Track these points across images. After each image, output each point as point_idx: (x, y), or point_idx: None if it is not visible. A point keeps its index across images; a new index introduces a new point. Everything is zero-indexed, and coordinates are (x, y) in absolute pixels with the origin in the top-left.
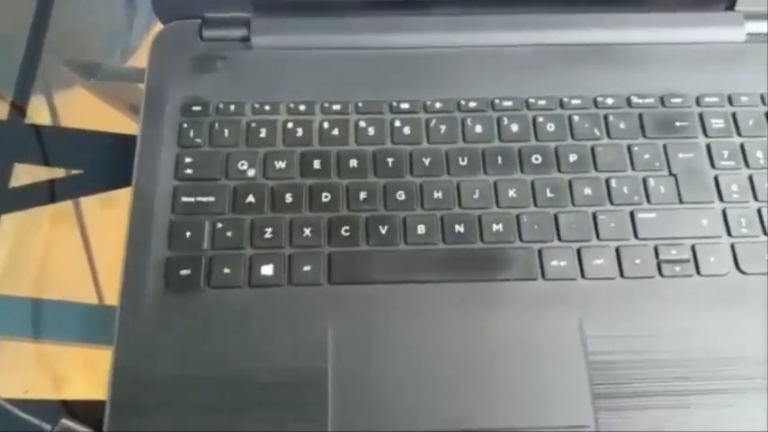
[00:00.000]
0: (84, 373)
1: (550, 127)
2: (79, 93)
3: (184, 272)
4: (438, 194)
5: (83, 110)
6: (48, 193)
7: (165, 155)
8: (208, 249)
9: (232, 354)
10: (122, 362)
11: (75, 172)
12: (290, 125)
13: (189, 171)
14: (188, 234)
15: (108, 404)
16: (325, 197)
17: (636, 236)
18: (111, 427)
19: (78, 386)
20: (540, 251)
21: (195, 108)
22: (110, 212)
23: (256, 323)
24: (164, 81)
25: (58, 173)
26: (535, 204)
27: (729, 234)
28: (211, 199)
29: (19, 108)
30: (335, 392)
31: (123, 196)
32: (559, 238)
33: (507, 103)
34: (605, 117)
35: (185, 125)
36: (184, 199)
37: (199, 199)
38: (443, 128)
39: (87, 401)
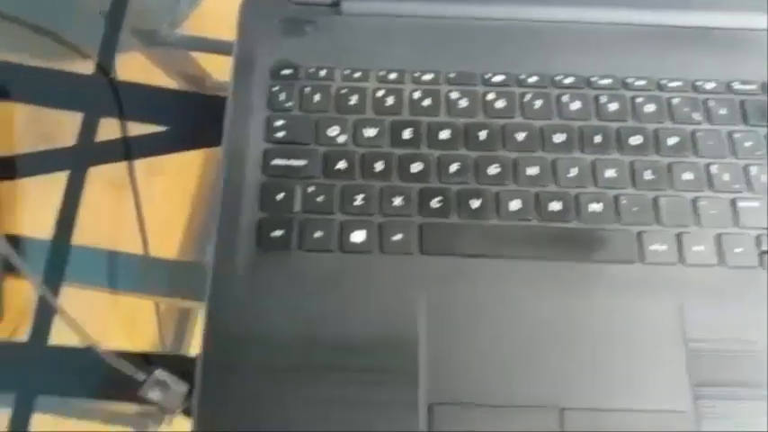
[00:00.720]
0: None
1: (649, 108)
2: (135, 57)
3: (276, 233)
4: (533, 171)
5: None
6: (133, 149)
7: (255, 117)
8: (299, 213)
9: (322, 317)
10: (215, 319)
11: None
12: (379, 93)
13: (279, 134)
14: (279, 196)
15: (200, 360)
16: (416, 167)
17: (737, 224)
18: (203, 383)
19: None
20: (639, 234)
21: (285, 72)
22: (156, 180)
23: (347, 288)
24: (253, 44)
25: (142, 130)
26: (634, 186)
27: None
28: (302, 163)
29: (103, 66)
30: (426, 362)
31: (170, 166)
32: (659, 222)
33: (605, 82)
34: (705, 102)
35: (275, 88)
36: (275, 162)
37: (290, 162)
38: (538, 103)
39: (170, 356)
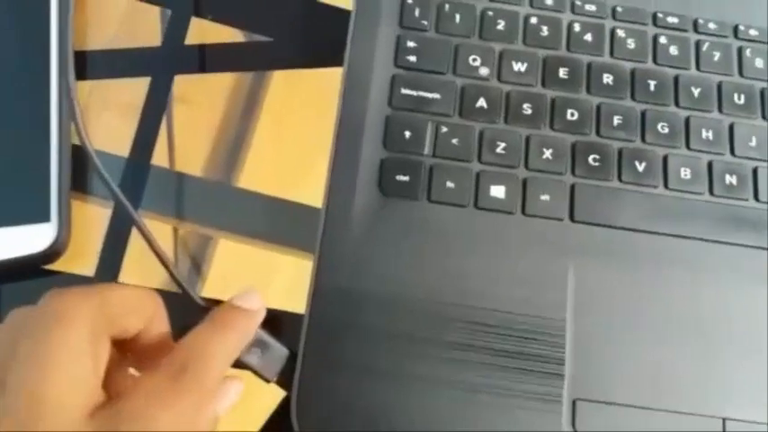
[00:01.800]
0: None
1: None
2: None
3: (401, 178)
4: (707, 134)
5: None
6: (228, 59)
7: (383, 35)
8: (428, 156)
9: (448, 282)
10: (325, 275)
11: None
12: (533, 21)
13: (411, 58)
14: (407, 134)
15: (306, 323)
16: (572, 115)
17: None
18: (308, 344)
19: None
20: None
21: None
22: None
23: (481, 252)
24: None
25: (241, 38)
26: None
27: None
28: (436, 96)
29: None
30: (574, 352)
31: (196, 92)
32: None
33: None
34: None
35: (409, 1)
36: (404, 91)
37: (421, 94)
38: (717, 55)
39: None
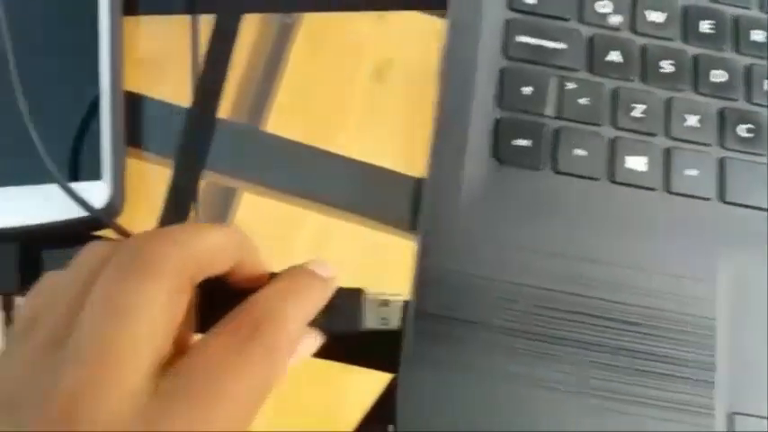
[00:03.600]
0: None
1: None
2: None
3: (520, 143)
4: None
5: None
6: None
7: None
8: (552, 117)
9: (575, 269)
10: (431, 255)
11: None
12: None
13: (528, 0)
14: (526, 90)
15: (412, 310)
16: (719, 77)
17: None
18: (415, 335)
19: None
20: None
21: None
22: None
23: (613, 235)
24: None
25: None
26: None
27: None
28: (560, 46)
29: None
30: (728, 356)
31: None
32: None
33: None
34: None
35: None
36: (521, 39)
37: (542, 43)
38: None
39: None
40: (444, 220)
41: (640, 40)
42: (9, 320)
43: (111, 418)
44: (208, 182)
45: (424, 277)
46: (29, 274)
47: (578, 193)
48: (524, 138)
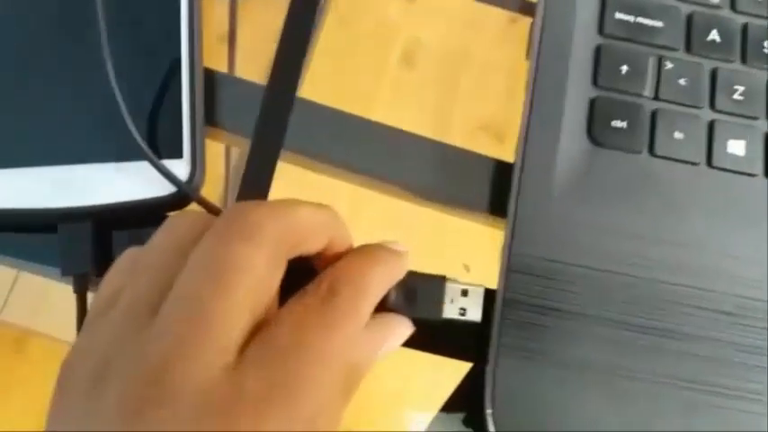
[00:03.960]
0: None
1: None
2: None
3: (617, 124)
4: None
5: None
6: None
7: None
8: (650, 98)
9: (672, 255)
10: (522, 242)
11: None
12: None
13: None
14: (623, 69)
15: (500, 300)
16: None
17: None
18: (504, 330)
19: None
20: None
21: None
22: None
23: (714, 222)
24: None
25: None
26: None
27: None
28: (658, 24)
29: None
30: None
31: None
32: None
33: None
34: None
35: None
36: (619, 16)
37: (640, 20)
38: None
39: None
40: (536, 204)
41: (741, 19)
42: (83, 304)
43: (202, 380)
44: (285, 161)
45: (514, 264)
46: (101, 255)
47: (676, 178)
48: (621, 119)
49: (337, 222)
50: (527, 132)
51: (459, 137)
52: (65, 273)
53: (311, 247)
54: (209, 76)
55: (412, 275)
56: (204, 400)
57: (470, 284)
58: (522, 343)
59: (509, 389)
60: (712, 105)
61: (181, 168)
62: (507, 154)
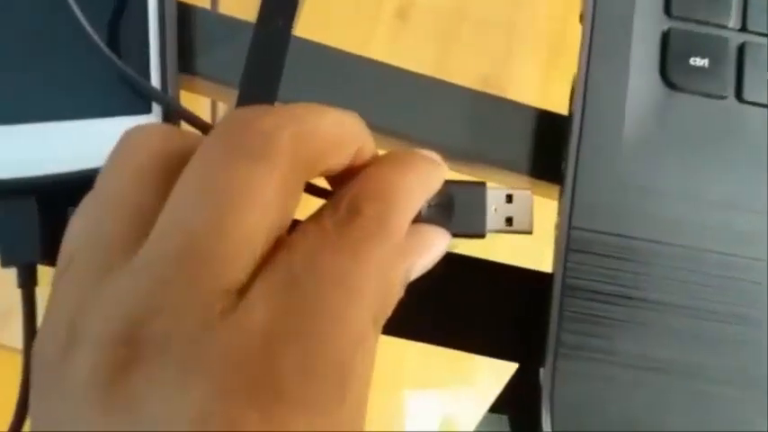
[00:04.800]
0: None
1: None
2: None
3: (697, 62)
4: None
5: None
6: None
7: None
8: (736, 29)
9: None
10: (584, 214)
11: None
12: None
13: None
14: None
15: (558, 285)
16: None
17: None
18: (565, 320)
19: None
20: None
21: None
22: None
23: None
24: None
25: None
26: None
27: None
28: None
29: None
30: None
31: None
32: None
33: None
34: None
35: None
36: None
37: None
38: None
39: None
40: (600, 164)
41: None
42: (30, 303)
43: (191, 331)
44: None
45: (574, 241)
46: (52, 240)
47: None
48: (701, 56)
49: (364, 131)
50: (586, 76)
51: None
52: (5, 263)
53: (335, 163)
54: (185, 11)
55: (448, 184)
56: (193, 353)
57: (515, 189)
58: (585, 340)
59: (569, 395)
60: None
61: None
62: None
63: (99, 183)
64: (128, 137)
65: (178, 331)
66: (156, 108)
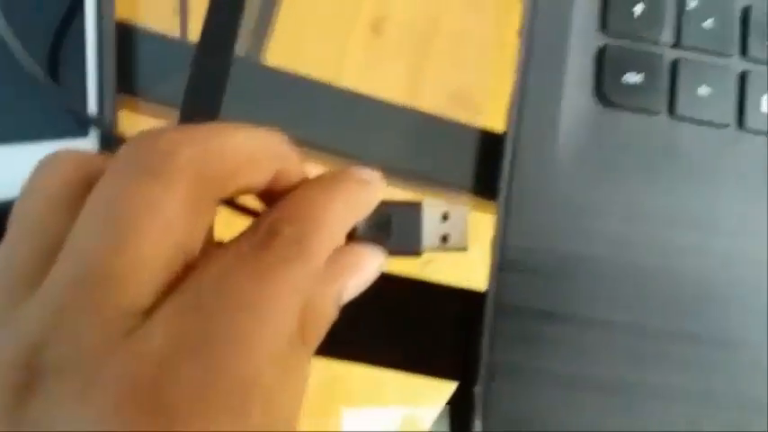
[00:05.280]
0: None
1: None
2: None
3: (632, 78)
4: None
5: None
6: None
7: None
8: (669, 45)
9: (700, 242)
10: (516, 232)
11: None
12: None
13: None
14: (637, 9)
15: (491, 303)
16: None
17: None
18: (496, 336)
19: None
20: None
21: None
22: None
23: (747, 197)
24: None
25: None
26: None
27: None
28: None
29: None
30: None
31: None
32: None
33: None
34: None
35: None
36: None
37: None
38: None
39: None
40: (534, 181)
41: None
42: None
43: (87, 355)
44: None
45: (507, 259)
46: None
47: (701, 144)
48: (635, 71)
49: (285, 149)
50: (521, 92)
51: (431, 111)
52: None
53: (252, 182)
54: (127, 31)
55: (385, 204)
56: (89, 376)
57: (452, 206)
58: (518, 359)
59: (502, 415)
60: (744, 53)
61: (87, 149)
62: (488, 126)
63: (15, 209)
64: (41, 164)
65: (76, 355)
66: (93, 131)
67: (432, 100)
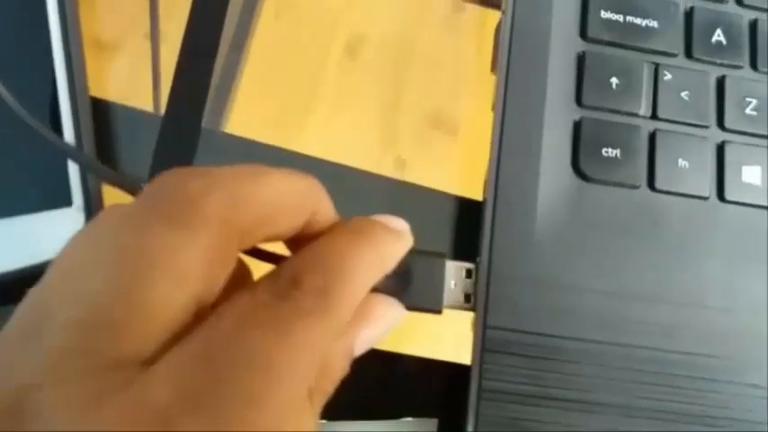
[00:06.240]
0: None
1: None
2: None
3: (609, 152)
4: None
5: None
6: None
7: None
8: (647, 117)
9: (685, 319)
10: (498, 313)
11: None
12: None
13: None
14: (613, 82)
15: (475, 381)
16: None
17: None
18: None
19: None
20: None
21: None
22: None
23: (731, 270)
24: None
25: None
26: None
27: None
28: (652, 24)
29: None
30: None
31: None
32: None
33: None
34: None
35: None
36: (605, 15)
37: (630, 20)
38: None
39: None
40: (512, 260)
41: (749, 15)
42: None
43: (76, 410)
44: None
45: (488, 341)
46: None
47: (682, 217)
48: (612, 146)
49: (317, 195)
50: (497, 167)
51: (408, 133)
52: None
53: (282, 230)
54: (99, 106)
55: (407, 253)
56: (79, 423)
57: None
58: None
59: None
60: (721, 124)
61: (70, 219)
62: (461, 149)
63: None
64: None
65: (67, 400)
66: (78, 199)
67: (408, 121)
